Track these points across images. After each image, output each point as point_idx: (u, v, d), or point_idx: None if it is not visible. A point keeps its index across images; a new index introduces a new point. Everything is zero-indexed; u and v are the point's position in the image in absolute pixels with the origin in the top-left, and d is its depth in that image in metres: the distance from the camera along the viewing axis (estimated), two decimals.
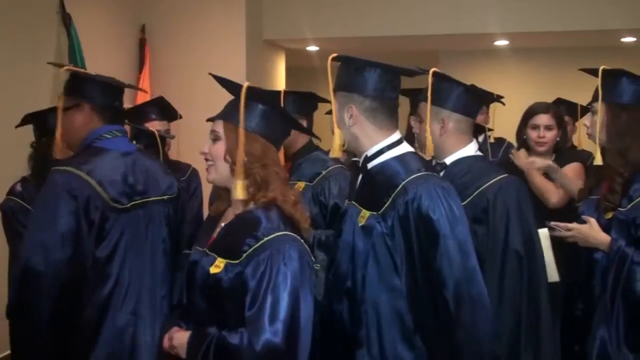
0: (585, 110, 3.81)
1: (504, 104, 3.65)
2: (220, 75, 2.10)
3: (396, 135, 2.23)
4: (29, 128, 3.52)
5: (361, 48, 6.67)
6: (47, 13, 4.97)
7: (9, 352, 3.58)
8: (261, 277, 1.88)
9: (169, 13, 6.28)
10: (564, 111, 3.69)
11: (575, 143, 3.76)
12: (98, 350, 2.40)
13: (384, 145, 2.20)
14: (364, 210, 2.19)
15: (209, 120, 2.13)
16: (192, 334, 2.00)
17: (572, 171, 3.43)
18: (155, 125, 3.85)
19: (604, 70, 2.55)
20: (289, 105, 3.13)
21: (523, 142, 3.59)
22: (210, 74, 2.20)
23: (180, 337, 2.02)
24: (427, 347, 2.12)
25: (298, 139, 3.17)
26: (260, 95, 2.04)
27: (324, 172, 3.17)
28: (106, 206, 2.40)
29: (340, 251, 2.24)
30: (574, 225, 2.58)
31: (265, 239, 1.93)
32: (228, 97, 2.10)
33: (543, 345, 2.42)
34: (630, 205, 2.47)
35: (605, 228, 2.52)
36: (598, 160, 2.60)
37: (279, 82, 7.29)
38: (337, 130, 2.20)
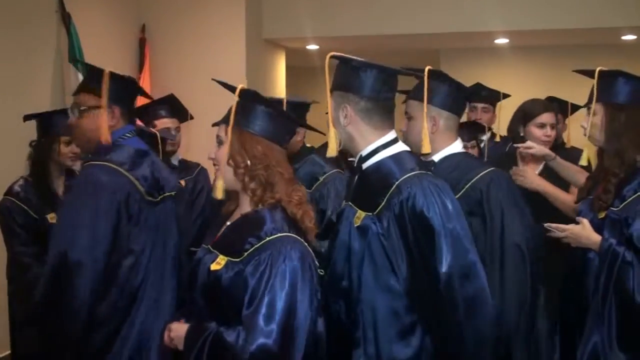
0: (576, 108, 3.82)
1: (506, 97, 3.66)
2: (220, 74, 2.13)
3: (391, 135, 2.23)
4: (29, 128, 3.53)
5: (362, 47, 6.67)
6: (47, 12, 4.97)
7: (9, 352, 3.60)
8: (260, 276, 1.88)
9: (169, 13, 6.28)
10: (556, 109, 3.69)
11: (565, 140, 3.77)
12: (126, 341, 2.50)
13: (379, 145, 2.21)
14: (359, 211, 2.20)
15: (214, 125, 2.15)
16: (190, 327, 2.01)
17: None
18: (165, 123, 3.89)
19: (599, 72, 2.54)
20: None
21: (520, 138, 3.57)
22: (213, 79, 2.24)
23: (178, 330, 2.04)
24: (430, 344, 2.13)
25: (293, 143, 3.16)
26: (256, 96, 2.04)
27: (321, 179, 3.19)
28: (143, 200, 2.54)
29: (336, 251, 2.24)
30: (567, 226, 2.58)
31: (268, 238, 1.93)
32: (228, 97, 2.10)
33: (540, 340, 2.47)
34: (623, 204, 2.47)
35: (599, 228, 2.52)
36: (584, 161, 2.63)
37: (279, 81, 7.28)
38: (332, 130, 2.20)
